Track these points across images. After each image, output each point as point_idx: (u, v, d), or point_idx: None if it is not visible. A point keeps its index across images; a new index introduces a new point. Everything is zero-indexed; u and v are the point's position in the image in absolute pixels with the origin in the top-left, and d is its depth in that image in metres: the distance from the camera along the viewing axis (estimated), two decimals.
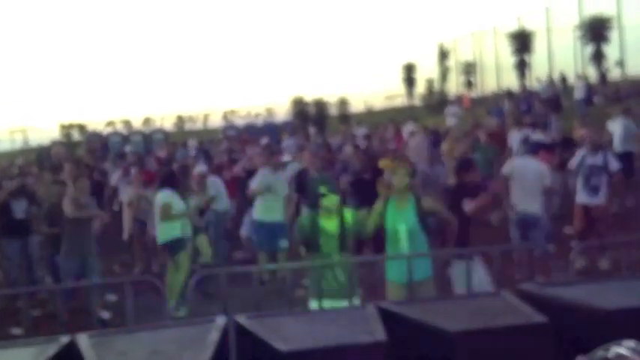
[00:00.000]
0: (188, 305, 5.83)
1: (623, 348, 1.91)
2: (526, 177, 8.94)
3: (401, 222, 6.13)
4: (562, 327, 3.62)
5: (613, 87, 29.49)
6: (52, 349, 3.63)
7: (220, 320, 3.87)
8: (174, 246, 9.02)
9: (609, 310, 3.69)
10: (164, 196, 9.11)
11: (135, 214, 11.13)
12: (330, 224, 5.80)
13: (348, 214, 5.95)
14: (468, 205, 6.97)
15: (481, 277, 6.35)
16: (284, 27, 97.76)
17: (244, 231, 11.42)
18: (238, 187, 12.35)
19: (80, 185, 8.99)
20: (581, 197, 9.43)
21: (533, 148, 9.71)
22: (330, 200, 5.77)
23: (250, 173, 11.59)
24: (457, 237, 6.78)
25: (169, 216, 8.97)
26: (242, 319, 3.87)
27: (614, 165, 9.59)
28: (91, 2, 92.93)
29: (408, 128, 20.09)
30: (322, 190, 5.75)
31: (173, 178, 9.46)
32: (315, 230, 5.78)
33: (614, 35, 30.51)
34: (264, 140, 18.61)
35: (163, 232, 9.09)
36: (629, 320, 3.58)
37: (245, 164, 12.81)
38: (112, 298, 9.18)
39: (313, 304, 5.54)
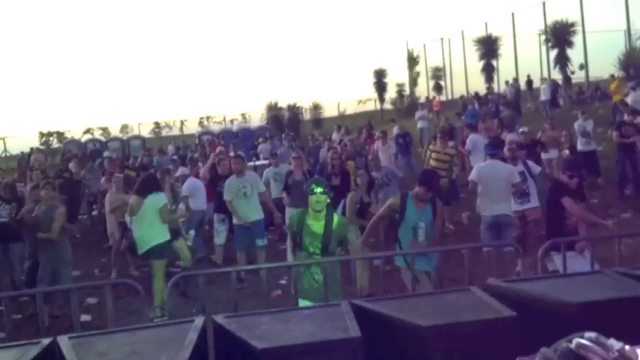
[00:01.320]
0: (166, 307, 5.89)
1: (584, 339, 2.00)
2: (497, 180, 9.07)
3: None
4: (529, 320, 3.74)
5: (577, 89, 30.00)
6: (34, 351, 3.67)
7: (198, 320, 3.94)
8: (162, 250, 9.03)
9: (575, 303, 3.81)
10: (160, 199, 9.09)
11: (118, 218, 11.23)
12: (316, 224, 6.02)
13: (336, 217, 6.17)
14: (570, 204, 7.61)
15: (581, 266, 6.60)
16: (258, 34, 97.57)
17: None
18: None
19: (34, 195, 9.09)
20: (514, 206, 9.56)
21: (494, 150, 9.86)
22: (320, 201, 5.96)
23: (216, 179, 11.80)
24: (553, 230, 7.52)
25: (172, 217, 9.10)
26: (220, 318, 3.95)
27: (535, 169, 10.05)
28: (65, 12, 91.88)
29: (392, 131, 20.32)
30: (315, 189, 5.97)
31: (157, 182, 9.49)
32: (301, 227, 6.04)
33: (577, 39, 31.02)
34: (230, 147, 18.81)
35: (155, 235, 8.98)
36: (594, 313, 3.71)
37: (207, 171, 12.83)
38: (92, 300, 9.20)
39: (302, 304, 5.72)
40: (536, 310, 3.99)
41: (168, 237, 9.07)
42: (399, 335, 3.78)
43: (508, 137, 12.65)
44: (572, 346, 1.97)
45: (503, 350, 3.64)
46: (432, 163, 12.51)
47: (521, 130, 14.80)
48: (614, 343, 1.96)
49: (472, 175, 9.47)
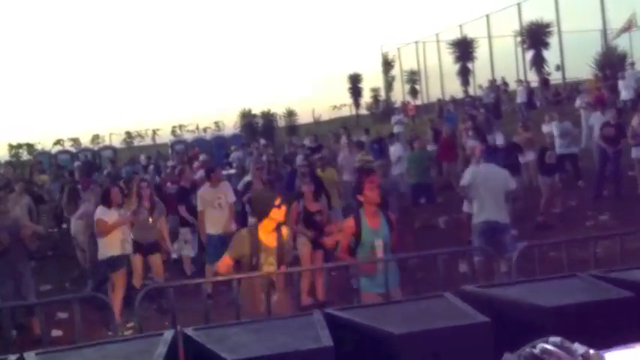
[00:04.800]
0: (136, 320, 5.81)
1: (549, 344, 1.98)
2: (491, 184, 8.99)
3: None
4: (504, 326, 3.71)
5: (554, 90, 30.20)
6: None
7: (168, 333, 3.87)
8: (112, 263, 9.16)
9: (548, 307, 3.80)
10: (97, 213, 9.29)
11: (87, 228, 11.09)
12: (269, 238, 5.85)
13: (285, 229, 6.04)
14: None
15: None
16: (230, 40, 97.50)
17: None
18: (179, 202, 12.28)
19: None
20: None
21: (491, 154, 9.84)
22: (279, 214, 5.83)
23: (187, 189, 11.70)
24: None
25: (104, 232, 9.10)
26: (189, 330, 3.89)
27: None
28: (34, 22, 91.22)
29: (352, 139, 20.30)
30: (276, 203, 5.79)
31: (107, 196, 9.50)
32: (255, 245, 5.80)
33: (553, 40, 31.23)
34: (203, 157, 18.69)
35: (103, 248, 9.27)
36: (568, 317, 3.70)
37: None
38: (63, 315, 9.09)
39: None
40: (510, 315, 3.97)
41: (118, 251, 9.19)
42: (372, 343, 3.74)
43: (468, 143, 12.68)
44: (537, 351, 1.95)
45: (477, 356, 3.61)
46: None
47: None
48: (579, 348, 1.95)
49: (464, 180, 9.37)
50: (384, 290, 6.03)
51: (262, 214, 5.84)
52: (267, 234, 5.83)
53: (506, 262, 7.94)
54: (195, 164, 16.23)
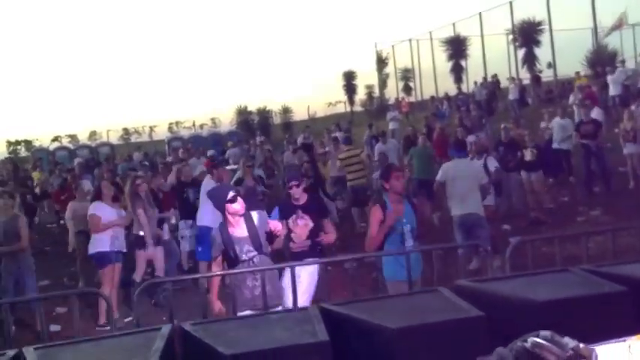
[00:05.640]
0: (134, 315, 5.86)
1: (539, 338, 2.02)
2: (463, 178, 9.16)
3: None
4: (498, 320, 3.76)
5: (545, 88, 30.31)
6: None
7: (165, 328, 3.90)
8: (100, 258, 9.19)
9: (540, 301, 3.84)
10: (91, 208, 9.34)
11: (77, 226, 11.09)
12: (237, 231, 6.00)
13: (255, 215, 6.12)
14: None
15: None
16: (226, 38, 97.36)
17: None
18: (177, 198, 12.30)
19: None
20: None
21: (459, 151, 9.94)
22: (235, 207, 5.94)
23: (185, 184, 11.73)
24: None
25: (96, 228, 9.12)
26: (187, 325, 3.92)
27: (493, 166, 10.22)
28: (32, 19, 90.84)
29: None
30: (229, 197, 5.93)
31: (99, 192, 9.57)
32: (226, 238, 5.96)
33: (545, 38, 31.34)
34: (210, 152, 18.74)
35: (92, 244, 9.33)
36: (560, 311, 3.74)
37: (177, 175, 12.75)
38: (61, 310, 9.12)
39: None
40: (503, 309, 4.00)
41: (107, 247, 9.22)
42: (368, 338, 3.78)
43: (468, 138, 12.77)
44: (528, 345, 1.99)
45: (471, 350, 3.65)
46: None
47: (503, 125, 14.97)
48: (569, 341, 1.98)
49: (438, 176, 9.55)
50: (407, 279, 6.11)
51: (219, 209, 6.02)
52: (233, 227, 5.97)
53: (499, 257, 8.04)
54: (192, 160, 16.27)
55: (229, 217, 5.97)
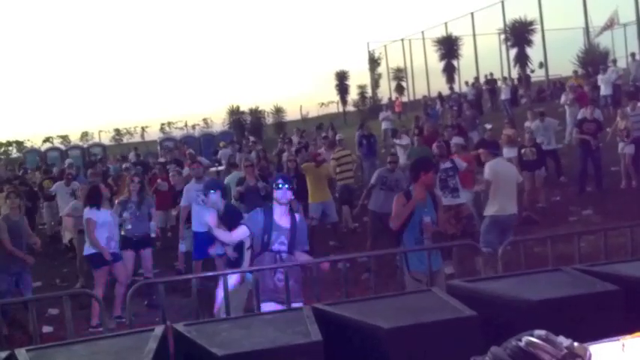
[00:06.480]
0: (127, 316, 5.84)
1: (534, 337, 2.02)
2: (508, 178, 9.14)
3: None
4: (491, 319, 3.76)
5: (537, 88, 30.40)
6: None
7: (159, 329, 3.90)
8: (94, 260, 9.15)
9: (533, 301, 3.85)
10: (85, 212, 9.26)
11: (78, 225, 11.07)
12: (283, 219, 6.12)
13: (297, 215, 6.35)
14: None
15: None
16: (218, 37, 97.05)
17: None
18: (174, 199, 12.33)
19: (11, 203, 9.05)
20: (445, 200, 9.60)
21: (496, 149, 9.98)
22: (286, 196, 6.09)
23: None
24: None
25: (93, 232, 9.08)
26: (180, 326, 3.91)
27: (462, 165, 10.31)
28: (23, 20, 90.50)
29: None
30: (281, 185, 6.06)
31: (95, 194, 9.45)
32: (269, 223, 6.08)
33: (536, 38, 31.43)
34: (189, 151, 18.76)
35: (88, 245, 9.27)
36: (553, 310, 3.76)
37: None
38: (54, 311, 9.10)
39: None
40: (497, 308, 4.01)
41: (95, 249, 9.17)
42: (361, 338, 3.78)
43: (454, 140, 12.74)
44: (522, 344, 1.99)
45: (465, 350, 3.65)
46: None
47: (489, 126, 15.00)
48: (564, 340, 1.98)
49: (486, 174, 9.40)
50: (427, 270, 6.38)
51: (256, 207, 6.37)
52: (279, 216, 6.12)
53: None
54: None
55: (276, 204, 6.11)
